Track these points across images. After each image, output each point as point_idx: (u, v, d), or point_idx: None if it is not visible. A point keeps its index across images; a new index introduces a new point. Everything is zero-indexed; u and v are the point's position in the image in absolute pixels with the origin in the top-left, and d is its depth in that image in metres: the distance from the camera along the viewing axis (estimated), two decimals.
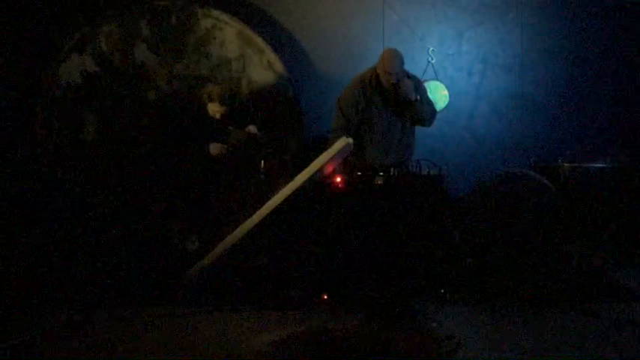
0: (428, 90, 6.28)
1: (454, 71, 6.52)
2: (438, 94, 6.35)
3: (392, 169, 5.17)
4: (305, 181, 4.90)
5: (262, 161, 5.50)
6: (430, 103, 5.48)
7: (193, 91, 5.95)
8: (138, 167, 5.89)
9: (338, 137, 5.09)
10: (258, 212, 4.99)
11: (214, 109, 5.58)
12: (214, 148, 5.56)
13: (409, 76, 5.38)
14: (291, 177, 5.07)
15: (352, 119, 5.28)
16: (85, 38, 5.90)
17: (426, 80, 6.32)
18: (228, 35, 6.09)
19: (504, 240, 5.24)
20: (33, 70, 5.86)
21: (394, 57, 5.19)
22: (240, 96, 6.04)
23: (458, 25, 6.52)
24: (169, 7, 6.03)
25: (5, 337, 4.18)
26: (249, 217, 4.99)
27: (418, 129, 5.54)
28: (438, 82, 6.37)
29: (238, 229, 4.96)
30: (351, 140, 5.00)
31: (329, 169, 5.04)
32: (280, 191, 5.01)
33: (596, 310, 4.84)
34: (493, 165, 6.02)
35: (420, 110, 5.31)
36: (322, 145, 5.26)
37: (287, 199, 4.90)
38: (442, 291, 5.08)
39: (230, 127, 5.55)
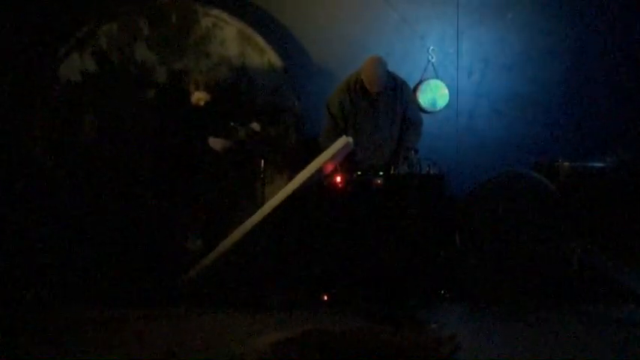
0: (428, 89, 6.33)
1: (454, 70, 6.50)
2: (438, 93, 6.35)
3: (392, 169, 5.18)
4: (305, 181, 4.90)
5: (262, 160, 5.49)
6: (417, 110, 5.59)
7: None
8: (138, 167, 5.88)
9: (328, 140, 5.12)
10: (258, 212, 4.99)
11: (199, 97, 5.58)
12: (214, 143, 5.55)
13: (395, 80, 5.43)
14: (291, 176, 5.07)
15: (340, 122, 5.35)
16: (85, 37, 5.89)
17: (426, 79, 6.32)
18: (228, 34, 6.07)
19: (504, 240, 5.24)
20: (33, 70, 5.85)
21: (376, 68, 5.27)
22: (223, 84, 6.03)
23: (458, 24, 6.51)
24: (169, 6, 6.01)
25: (7, 338, 4.19)
26: (249, 217, 5.00)
27: None
28: (438, 81, 6.36)
29: (239, 229, 4.96)
30: (350, 139, 5.02)
31: (329, 168, 5.04)
32: (280, 191, 5.02)
33: (596, 310, 4.85)
34: (493, 164, 6.00)
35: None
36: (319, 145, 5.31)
37: (287, 199, 4.90)
38: (442, 291, 5.09)
39: (232, 124, 5.56)
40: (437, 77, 6.39)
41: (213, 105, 5.60)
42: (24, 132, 5.86)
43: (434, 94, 6.35)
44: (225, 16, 6.05)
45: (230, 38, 6.07)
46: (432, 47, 6.44)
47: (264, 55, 6.11)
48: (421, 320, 4.58)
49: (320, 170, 4.97)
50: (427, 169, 5.21)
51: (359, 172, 5.16)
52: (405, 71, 6.16)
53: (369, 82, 5.26)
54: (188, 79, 5.72)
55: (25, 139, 5.84)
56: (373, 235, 5.01)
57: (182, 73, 5.93)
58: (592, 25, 6.53)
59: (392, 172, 5.19)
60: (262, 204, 5.17)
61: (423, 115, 6.19)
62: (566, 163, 5.70)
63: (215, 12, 6.03)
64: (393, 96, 5.41)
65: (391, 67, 5.47)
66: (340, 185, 5.05)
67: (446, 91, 6.36)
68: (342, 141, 4.98)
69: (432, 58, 6.43)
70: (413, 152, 5.28)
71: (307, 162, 5.04)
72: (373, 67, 5.26)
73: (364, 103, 5.36)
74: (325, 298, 4.98)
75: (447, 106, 6.39)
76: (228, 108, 5.88)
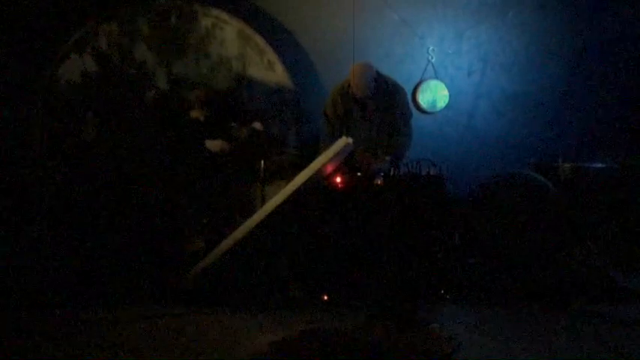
0: (428, 90, 6.33)
1: (454, 70, 6.51)
2: (438, 94, 6.36)
3: (391, 170, 5.19)
4: (305, 182, 4.91)
5: (262, 161, 5.50)
6: (404, 118, 5.51)
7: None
8: (139, 167, 5.88)
9: (327, 144, 5.13)
10: (258, 212, 4.99)
11: (197, 113, 5.62)
12: (212, 145, 5.56)
13: (387, 84, 5.42)
14: (291, 177, 5.08)
15: (337, 124, 5.43)
16: (85, 38, 5.89)
17: (425, 80, 6.33)
18: (228, 34, 6.08)
19: (504, 240, 5.24)
20: (33, 70, 5.85)
21: (362, 74, 5.32)
22: (223, 92, 6.04)
23: (458, 25, 6.51)
24: (169, 7, 6.01)
25: (7, 338, 4.19)
26: (249, 217, 5.00)
27: (417, 128, 5.56)
28: (438, 82, 6.37)
29: (239, 230, 4.97)
30: (350, 140, 5.02)
31: (329, 169, 5.04)
32: (280, 191, 5.02)
33: (596, 310, 4.85)
34: (493, 165, 6.01)
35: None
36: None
37: (287, 200, 4.90)
38: (442, 291, 5.09)
39: (233, 124, 5.57)
40: (437, 78, 6.39)
41: (213, 116, 5.63)
42: (24, 133, 5.86)
43: (434, 95, 6.36)
44: (225, 16, 6.05)
45: (230, 39, 6.07)
46: (431, 48, 6.44)
47: (263, 56, 6.11)
48: (421, 320, 4.58)
49: (320, 171, 4.97)
50: (427, 169, 5.22)
51: (359, 173, 5.18)
52: (404, 72, 6.18)
53: (355, 87, 5.34)
54: (188, 92, 5.73)
55: (26, 140, 5.85)
56: (373, 235, 5.02)
57: (181, 81, 5.94)
58: (592, 24, 6.53)
59: (392, 173, 5.20)
60: (262, 204, 5.18)
61: (423, 116, 6.23)
62: (567, 164, 5.70)
63: (215, 12, 6.04)
64: (385, 101, 5.43)
65: (391, 68, 5.49)
66: (340, 185, 5.07)
67: (446, 92, 6.36)
68: (343, 141, 4.99)
69: (432, 58, 6.43)
70: (388, 159, 5.29)
71: (307, 162, 5.05)
72: (359, 73, 5.33)
73: (356, 107, 5.42)
74: (325, 298, 4.98)
75: (447, 106, 6.39)
76: (229, 111, 5.89)
